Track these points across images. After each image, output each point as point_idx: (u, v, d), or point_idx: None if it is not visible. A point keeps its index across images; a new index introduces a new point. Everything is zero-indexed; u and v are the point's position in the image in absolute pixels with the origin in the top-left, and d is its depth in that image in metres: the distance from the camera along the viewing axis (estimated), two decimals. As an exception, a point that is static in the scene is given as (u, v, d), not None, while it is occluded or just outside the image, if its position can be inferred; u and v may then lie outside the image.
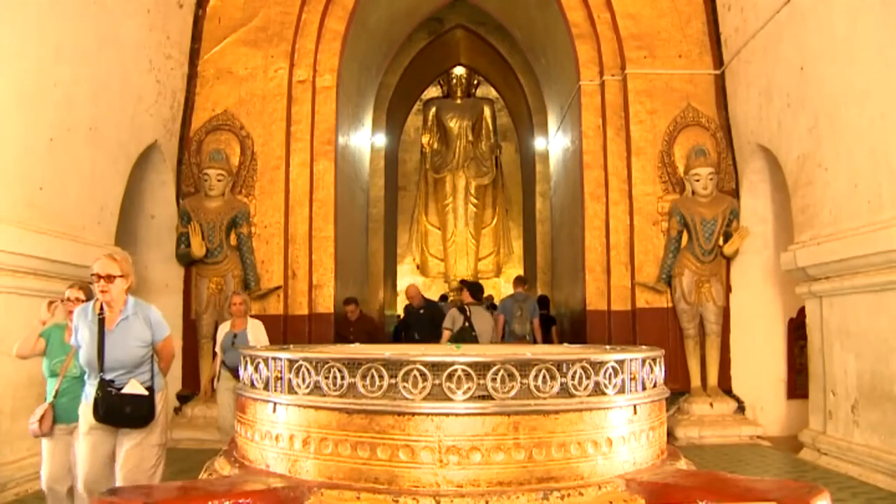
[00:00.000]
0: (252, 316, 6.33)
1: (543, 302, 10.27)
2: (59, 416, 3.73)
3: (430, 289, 16.39)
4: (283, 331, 7.86)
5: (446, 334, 7.29)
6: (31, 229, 5.26)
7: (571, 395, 2.60)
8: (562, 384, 2.59)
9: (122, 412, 3.39)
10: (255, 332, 5.92)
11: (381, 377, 2.53)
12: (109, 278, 3.43)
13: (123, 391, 3.40)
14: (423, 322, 8.23)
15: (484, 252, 16.82)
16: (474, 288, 8.02)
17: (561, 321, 10.34)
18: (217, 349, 6.08)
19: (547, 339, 9.24)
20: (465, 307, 7.54)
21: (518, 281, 9.00)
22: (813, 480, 5.27)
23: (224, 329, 6.06)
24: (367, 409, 2.53)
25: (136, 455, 3.44)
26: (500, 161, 16.94)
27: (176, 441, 7.16)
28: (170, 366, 3.77)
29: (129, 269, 3.52)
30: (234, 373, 5.58)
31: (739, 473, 5.38)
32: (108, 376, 3.41)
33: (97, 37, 6.16)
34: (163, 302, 7.80)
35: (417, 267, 17.01)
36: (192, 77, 8.05)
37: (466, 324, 7.18)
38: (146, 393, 3.45)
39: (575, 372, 2.61)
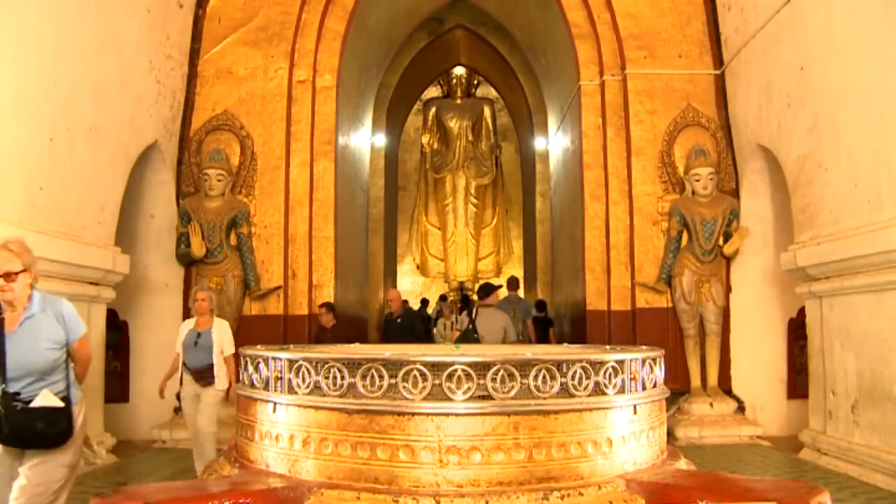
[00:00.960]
0: (218, 316, 5.75)
1: (541, 305, 10.60)
2: None
3: (430, 289, 16.42)
4: (283, 331, 7.86)
5: (456, 334, 7.41)
6: (31, 229, 5.25)
7: (571, 395, 2.61)
8: (562, 384, 2.60)
9: (31, 430, 2.83)
10: (220, 333, 5.36)
11: (381, 377, 2.53)
12: (9, 276, 2.89)
13: (33, 404, 2.84)
14: (399, 331, 7.68)
15: (484, 252, 16.84)
16: (483, 288, 8.06)
17: (561, 321, 10.36)
18: (178, 348, 5.43)
19: (545, 340, 9.48)
20: (473, 308, 7.60)
21: (511, 284, 9.37)
22: (813, 480, 5.27)
23: (187, 327, 5.46)
24: (367, 409, 2.53)
25: (40, 474, 2.89)
26: (500, 161, 16.95)
27: (176, 441, 7.16)
28: (87, 371, 3.21)
29: (32, 261, 3.01)
30: (196, 376, 5.26)
31: (739, 473, 5.38)
32: (12, 388, 2.84)
33: (97, 37, 6.16)
34: (163, 302, 7.83)
35: (417, 267, 17.02)
36: (192, 77, 8.05)
37: (470, 326, 7.22)
38: (61, 405, 2.90)
39: (575, 372, 2.61)
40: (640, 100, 8.16)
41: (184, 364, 5.32)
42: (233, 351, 5.32)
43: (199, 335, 5.32)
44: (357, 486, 2.49)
